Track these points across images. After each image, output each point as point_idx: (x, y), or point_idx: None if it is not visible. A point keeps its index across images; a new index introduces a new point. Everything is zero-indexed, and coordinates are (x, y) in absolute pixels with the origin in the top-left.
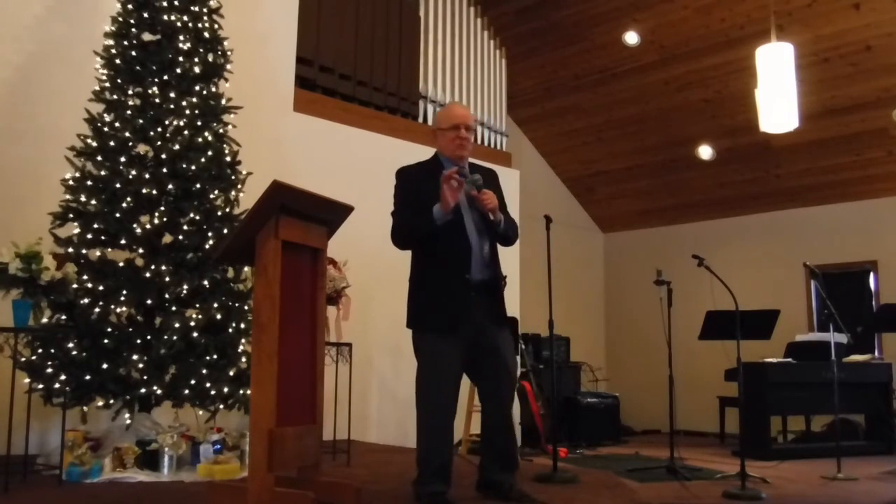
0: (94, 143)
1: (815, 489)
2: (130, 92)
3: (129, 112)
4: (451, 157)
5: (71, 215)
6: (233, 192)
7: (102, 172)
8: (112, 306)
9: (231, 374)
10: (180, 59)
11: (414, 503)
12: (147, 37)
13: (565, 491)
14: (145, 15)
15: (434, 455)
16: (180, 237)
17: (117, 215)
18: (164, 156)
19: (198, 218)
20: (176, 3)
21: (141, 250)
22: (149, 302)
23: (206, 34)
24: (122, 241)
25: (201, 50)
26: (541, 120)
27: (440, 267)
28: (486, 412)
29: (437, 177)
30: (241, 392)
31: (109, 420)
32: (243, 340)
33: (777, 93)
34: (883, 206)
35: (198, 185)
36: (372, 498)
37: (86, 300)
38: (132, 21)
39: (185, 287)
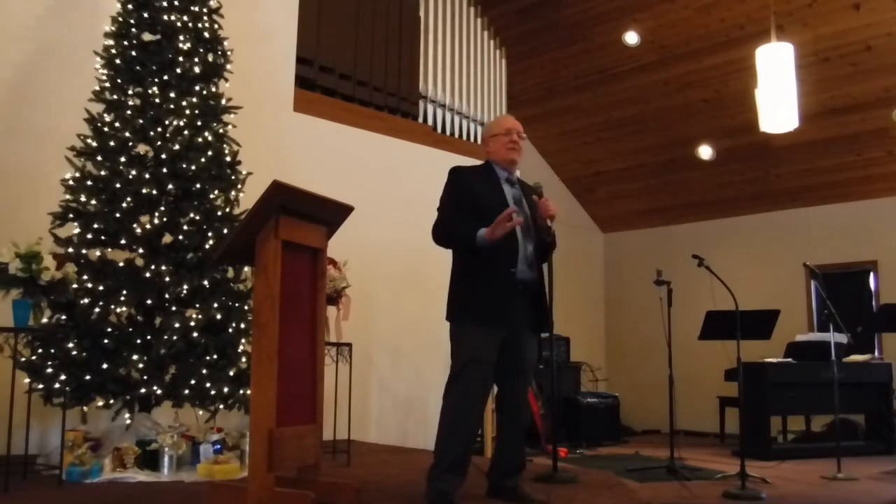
0: (94, 143)
1: (815, 489)
2: (130, 92)
3: (129, 112)
4: (503, 160)
5: (71, 215)
6: (233, 192)
7: (102, 172)
8: (112, 306)
9: (231, 374)
10: (180, 59)
11: (422, 498)
12: (147, 37)
13: (565, 491)
14: (145, 15)
15: (455, 446)
16: (180, 237)
17: (117, 215)
18: (164, 156)
19: (198, 218)
20: (176, 3)
21: (141, 250)
22: (149, 302)
23: (206, 34)
24: (122, 241)
25: (201, 50)
26: (541, 120)
27: (487, 260)
28: (502, 416)
29: (490, 180)
30: (241, 392)
31: (109, 420)
32: (243, 340)
33: (777, 93)
34: (883, 206)
35: (198, 185)
36: (372, 498)
37: (86, 300)
38: (132, 21)
39: (185, 287)
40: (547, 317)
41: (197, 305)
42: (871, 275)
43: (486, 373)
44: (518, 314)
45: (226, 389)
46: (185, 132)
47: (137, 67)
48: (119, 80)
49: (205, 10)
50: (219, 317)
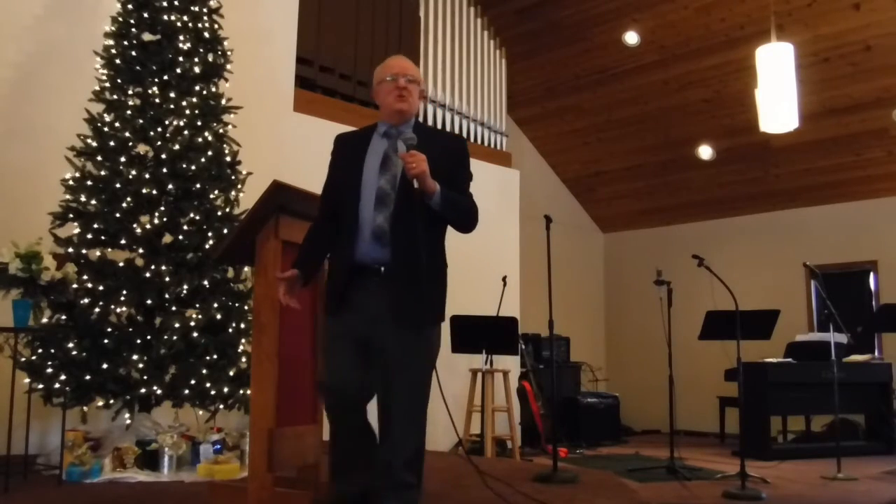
0: (94, 143)
1: (815, 489)
2: (130, 92)
3: (129, 112)
4: (390, 112)
5: (71, 215)
6: (233, 192)
7: (102, 172)
8: (112, 306)
9: (231, 374)
10: (180, 59)
11: (422, 499)
12: (147, 37)
13: (565, 491)
14: (145, 15)
15: (335, 451)
16: (180, 237)
17: (117, 215)
18: (164, 156)
19: (198, 218)
20: (176, 3)
21: (141, 250)
22: (149, 302)
23: (206, 34)
24: (122, 241)
25: (201, 50)
26: (541, 120)
27: (336, 239)
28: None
29: (361, 143)
30: (241, 392)
31: (109, 420)
32: (243, 340)
33: (777, 93)
34: (883, 206)
35: (198, 185)
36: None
37: (86, 300)
38: (132, 21)
39: (185, 287)
40: (419, 305)
41: (197, 305)
42: (871, 275)
43: (339, 369)
44: (371, 302)
45: (226, 389)
46: (185, 132)
47: (137, 67)
48: (119, 80)
49: (205, 10)
50: (219, 317)
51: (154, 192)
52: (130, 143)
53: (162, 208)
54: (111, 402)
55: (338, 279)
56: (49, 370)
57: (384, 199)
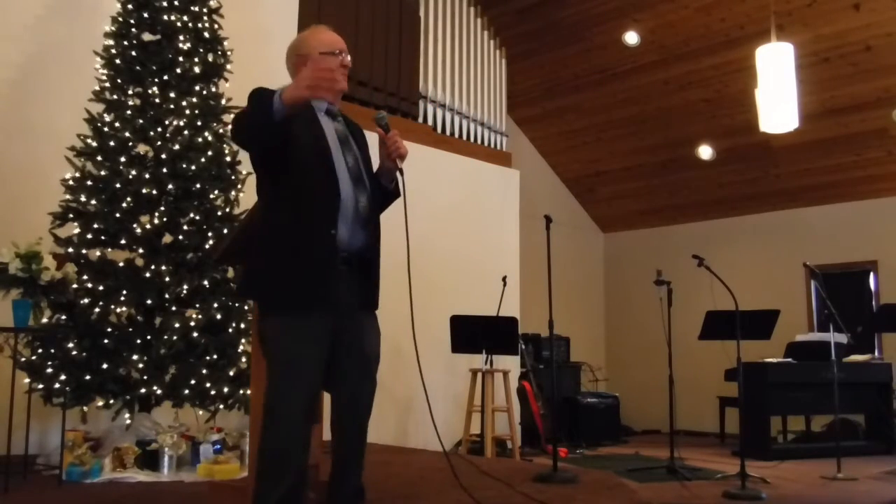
0: (94, 143)
1: (815, 489)
2: (130, 92)
3: (129, 112)
4: (329, 89)
5: (71, 215)
6: (233, 192)
7: (102, 172)
8: (112, 306)
9: (231, 374)
10: (180, 59)
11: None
12: (147, 37)
13: (565, 491)
14: (145, 15)
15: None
16: (180, 237)
17: (117, 215)
18: (164, 156)
19: (198, 218)
20: (176, 3)
21: (141, 250)
22: (149, 302)
23: (206, 34)
24: (122, 241)
25: (201, 50)
26: (541, 120)
27: (297, 219)
28: (340, 430)
29: (310, 114)
30: (241, 392)
31: (109, 420)
32: (243, 340)
33: (777, 93)
34: (883, 206)
35: (198, 185)
36: (372, 498)
37: (86, 300)
38: (132, 21)
39: (185, 287)
40: (377, 290)
41: (197, 305)
42: (871, 275)
43: (307, 381)
44: (350, 292)
45: (226, 389)
46: (185, 132)
47: (137, 67)
48: (119, 80)
49: (205, 10)
50: (219, 317)
51: (154, 192)
52: (130, 143)
53: (162, 208)
54: (111, 402)
55: (313, 266)
56: (49, 370)
57: (361, 180)
